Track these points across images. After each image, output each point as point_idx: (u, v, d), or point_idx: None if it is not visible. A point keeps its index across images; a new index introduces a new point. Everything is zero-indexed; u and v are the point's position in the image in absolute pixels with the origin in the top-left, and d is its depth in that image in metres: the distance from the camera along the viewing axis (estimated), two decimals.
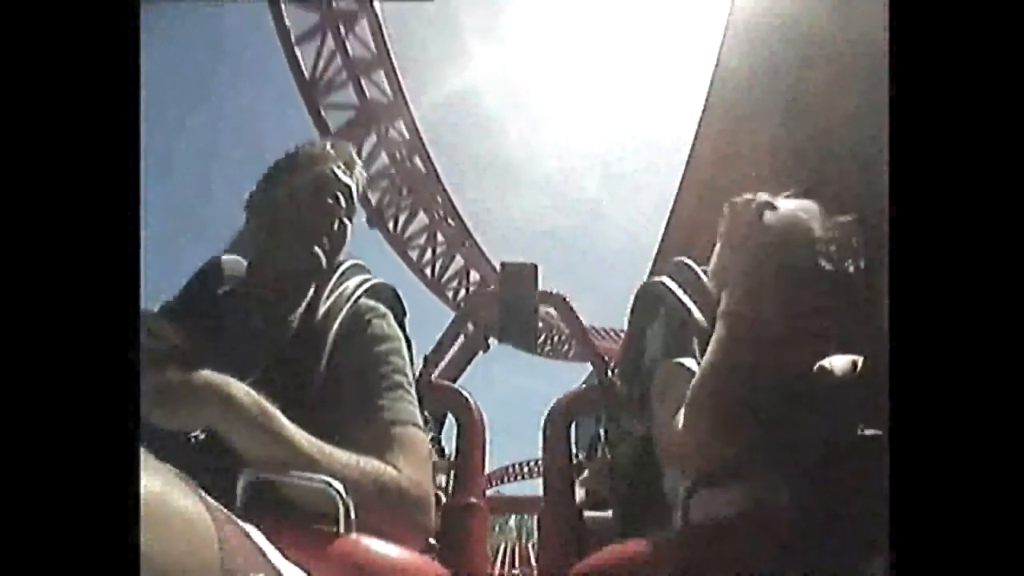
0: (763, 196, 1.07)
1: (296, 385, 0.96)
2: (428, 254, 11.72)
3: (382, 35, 9.34)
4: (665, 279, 1.24)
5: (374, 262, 1.19)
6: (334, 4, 9.00)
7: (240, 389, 0.82)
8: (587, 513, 1.61)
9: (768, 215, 1.04)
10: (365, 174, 1.22)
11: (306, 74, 9.04)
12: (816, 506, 0.84)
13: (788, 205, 1.07)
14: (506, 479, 19.02)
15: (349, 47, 9.20)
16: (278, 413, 0.84)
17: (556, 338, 14.56)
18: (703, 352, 1.04)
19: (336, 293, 1.08)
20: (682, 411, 0.99)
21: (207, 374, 0.81)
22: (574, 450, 1.86)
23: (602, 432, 1.86)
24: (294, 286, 1.08)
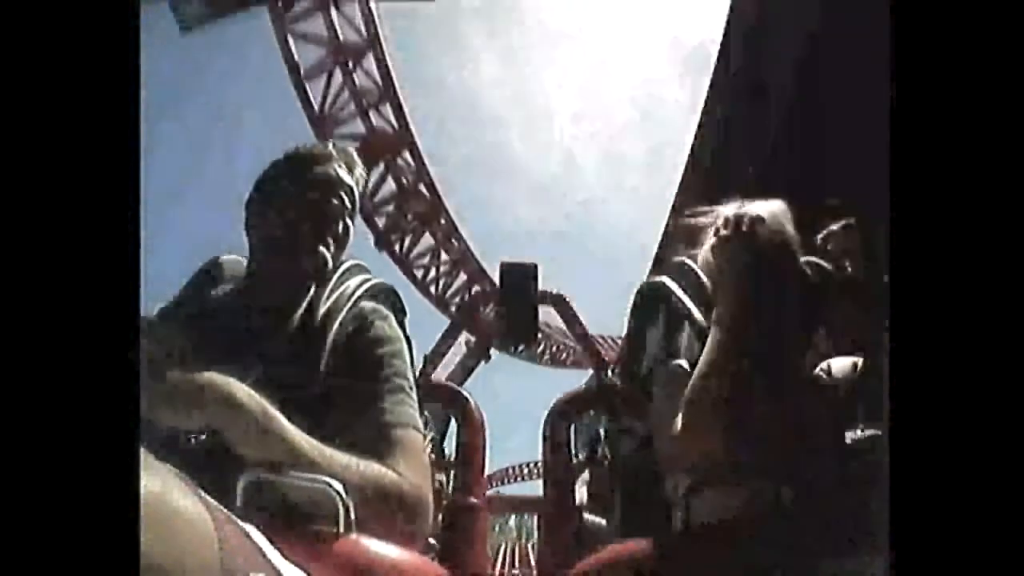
0: (749, 209, 1.08)
1: (296, 385, 0.95)
2: (432, 272, 12.46)
3: (387, 69, 10.04)
4: (665, 279, 1.24)
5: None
6: (340, 38, 9.44)
7: (242, 390, 0.82)
8: (587, 512, 1.61)
9: (757, 227, 1.05)
10: (365, 174, 1.21)
11: (315, 107, 9.74)
12: (815, 506, 0.84)
13: (771, 211, 1.08)
14: (506, 480, 19.02)
15: (356, 80, 9.93)
16: (279, 415, 0.84)
17: (555, 347, 15.12)
18: (702, 352, 1.04)
19: (337, 293, 1.08)
20: (681, 413, 0.99)
21: (210, 375, 0.82)
22: (574, 450, 1.86)
23: (602, 432, 1.86)
24: (295, 286, 1.07)
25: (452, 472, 1.71)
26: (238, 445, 0.81)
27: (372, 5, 9.45)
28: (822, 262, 1.06)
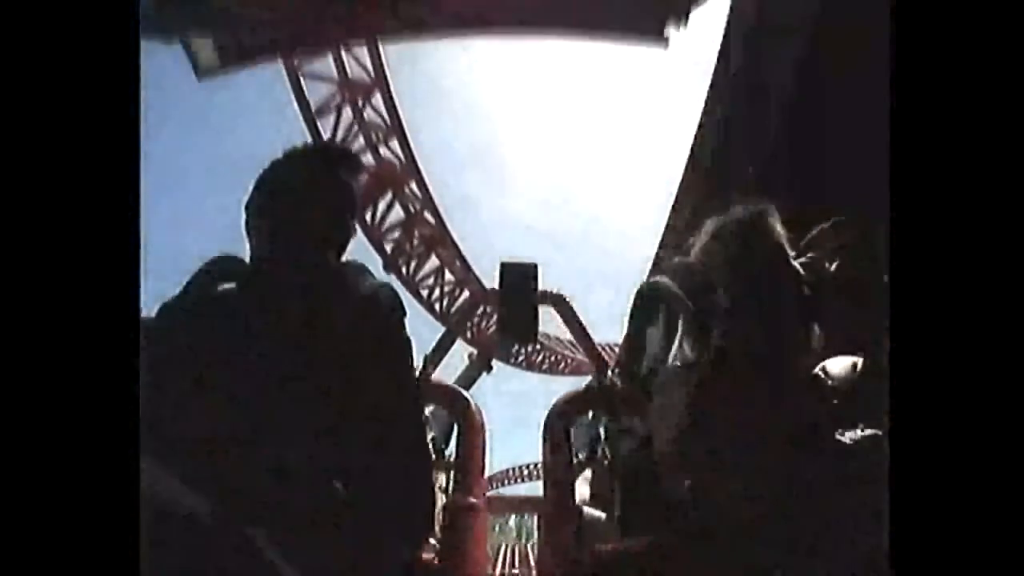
0: (742, 212, 1.08)
1: (296, 383, 0.95)
2: (437, 291, 13.57)
3: (394, 106, 10.89)
4: (665, 280, 1.24)
5: None
6: (349, 74, 10.03)
7: None
8: (586, 512, 1.61)
9: (752, 230, 1.05)
10: (365, 175, 1.21)
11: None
12: (815, 506, 0.84)
13: (763, 213, 1.08)
14: (507, 482, 19.03)
15: (365, 116, 10.83)
16: None
17: (553, 357, 16.05)
18: (702, 353, 1.04)
19: (340, 292, 1.08)
20: (681, 413, 0.99)
21: None
22: (574, 450, 1.86)
23: (602, 432, 1.86)
24: (298, 285, 1.07)
25: (452, 472, 1.71)
26: None
27: (380, 46, 9.98)
28: (816, 261, 1.06)
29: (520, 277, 2.20)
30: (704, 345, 1.04)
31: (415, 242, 12.00)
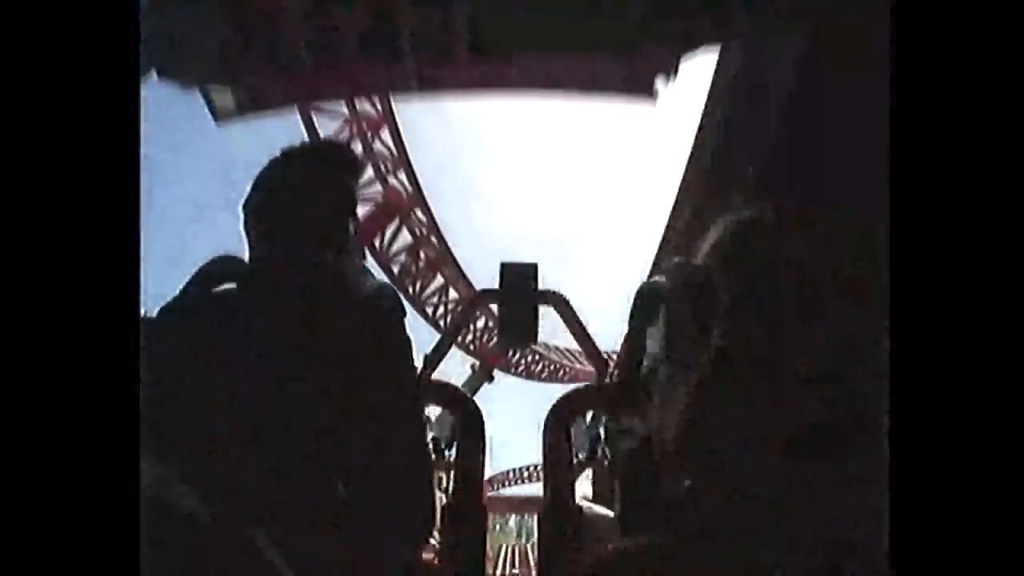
0: (743, 214, 1.08)
1: (296, 383, 0.95)
2: (442, 308, 14.77)
3: (401, 140, 11.99)
4: (665, 279, 1.24)
5: None
6: (358, 110, 11.24)
7: None
8: (586, 511, 1.61)
9: (752, 230, 1.05)
10: (363, 173, 1.22)
11: None
12: (814, 506, 0.84)
13: (763, 214, 1.08)
14: (507, 484, 19.07)
15: (374, 148, 11.83)
16: None
17: (552, 366, 17.21)
18: (702, 353, 1.04)
19: (339, 292, 1.08)
20: (681, 413, 0.99)
21: None
22: (574, 450, 1.86)
23: (602, 432, 1.86)
24: (297, 284, 1.07)
25: (452, 472, 1.71)
26: None
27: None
28: (816, 261, 1.06)
29: (520, 277, 2.20)
30: (704, 345, 1.04)
31: (421, 264, 13.24)
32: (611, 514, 1.44)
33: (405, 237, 12.82)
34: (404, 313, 1.18)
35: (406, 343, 1.11)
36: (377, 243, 12.10)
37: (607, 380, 2.06)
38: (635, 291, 1.33)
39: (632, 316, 1.32)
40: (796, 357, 0.96)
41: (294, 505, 0.86)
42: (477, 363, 13.92)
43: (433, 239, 13.24)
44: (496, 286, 2.24)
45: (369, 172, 11.66)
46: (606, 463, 1.66)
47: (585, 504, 1.63)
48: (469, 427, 1.74)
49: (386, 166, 12.02)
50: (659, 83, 1.79)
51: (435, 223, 13.11)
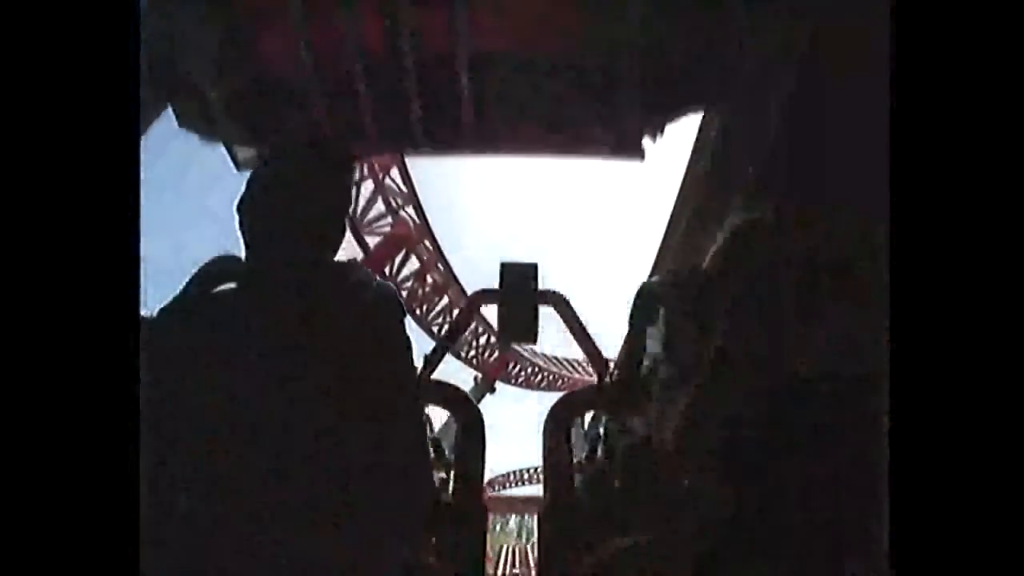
0: (744, 216, 1.09)
1: (296, 383, 0.95)
2: (447, 327, 15.47)
3: (410, 178, 13.28)
4: (665, 280, 1.24)
5: None
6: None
7: None
8: (586, 511, 1.61)
9: (753, 232, 1.06)
10: (357, 172, 1.22)
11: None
12: (814, 507, 0.84)
13: (763, 216, 1.08)
14: (507, 485, 19.15)
15: (385, 184, 13.07)
16: None
17: (551, 377, 18.11)
18: (702, 353, 1.04)
19: (339, 291, 1.08)
20: (681, 413, 0.99)
21: None
22: (574, 450, 1.86)
23: (602, 432, 1.86)
24: (295, 283, 1.07)
25: (452, 472, 1.71)
26: None
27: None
28: (816, 260, 1.06)
29: (520, 277, 2.20)
30: (704, 345, 1.04)
31: (427, 289, 14.56)
32: (604, 516, 1.44)
33: (412, 264, 14.23)
34: (404, 313, 1.18)
35: (406, 343, 1.11)
36: (386, 270, 13.07)
37: (607, 380, 2.06)
38: (635, 291, 1.33)
39: (632, 316, 1.32)
40: (796, 357, 0.96)
41: (294, 505, 0.86)
42: (480, 376, 15.32)
43: (439, 265, 14.60)
44: (495, 287, 2.24)
45: (380, 207, 13.12)
46: (606, 463, 1.66)
47: (586, 508, 1.63)
48: (469, 428, 1.74)
49: (396, 201, 13.46)
50: (647, 141, 1.89)
51: (440, 251, 14.53)
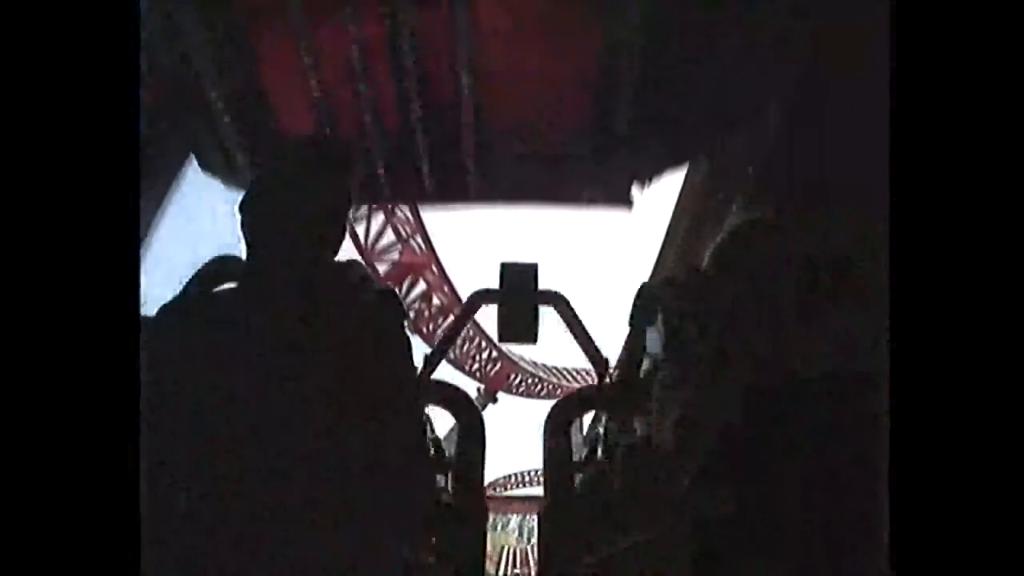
0: (745, 217, 1.09)
1: (296, 382, 0.96)
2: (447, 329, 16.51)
3: (418, 211, 13.79)
4: (665, 280, 1.24)
5: None
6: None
7: None
8: (586, 511, 1.61)
9: (753, 233, 1.06)
10: (361, 172, 1.22)
11: (362, 242, 13.78)
12: (813, 507, 0.85)
13: (764, 217, 1.08)
14: (508, 487, 19.21)
15: (395, 214, 13.98)
16: None
17: (550, 386, 18.60)
18: (702, 353, 1.04)
19: (339, 291, 1.08)
20: (681, 413, 0.99)
21: None
22: (574, 450, 1.86)
23: (602, 432, 1.86)
24: (295, 283, 1.07)
25: (452, 471, 1.71)
26: None
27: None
28: (816, 261, 1.06)
29: (520, 277, 2.19)
30: (704, 345, 1.04)
31: (433, 310, 15.72)
32: (604, 516, 1.44)
33: (420, 287, 15.44)
34: (404, 314, 1.18)
35: (406, 343, 1.11)
36: (398, 291, 14.18)
37: (607, 379, 2.07)
38: (635, 292, 1.33)
39: (632, 316, 1.32)
40: (796, 357, 0.96)
41: (294, 504, 0.86)
42: (482, 387, 16.30)
43: (445, 288, 15.67)
44: (495, 287, 2.24)
45: (391, 236, 14.36)
46: (606, 463, 1.66)
47: (585, 508, 1.63)
48: (469, 428, 1.74)
49: (405, 231, 14.57)
50: (635, 191, 1.98)
51: (447, 276, 15.59)
